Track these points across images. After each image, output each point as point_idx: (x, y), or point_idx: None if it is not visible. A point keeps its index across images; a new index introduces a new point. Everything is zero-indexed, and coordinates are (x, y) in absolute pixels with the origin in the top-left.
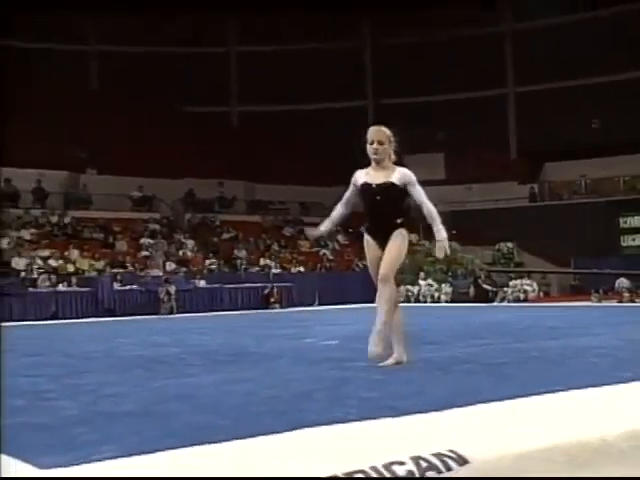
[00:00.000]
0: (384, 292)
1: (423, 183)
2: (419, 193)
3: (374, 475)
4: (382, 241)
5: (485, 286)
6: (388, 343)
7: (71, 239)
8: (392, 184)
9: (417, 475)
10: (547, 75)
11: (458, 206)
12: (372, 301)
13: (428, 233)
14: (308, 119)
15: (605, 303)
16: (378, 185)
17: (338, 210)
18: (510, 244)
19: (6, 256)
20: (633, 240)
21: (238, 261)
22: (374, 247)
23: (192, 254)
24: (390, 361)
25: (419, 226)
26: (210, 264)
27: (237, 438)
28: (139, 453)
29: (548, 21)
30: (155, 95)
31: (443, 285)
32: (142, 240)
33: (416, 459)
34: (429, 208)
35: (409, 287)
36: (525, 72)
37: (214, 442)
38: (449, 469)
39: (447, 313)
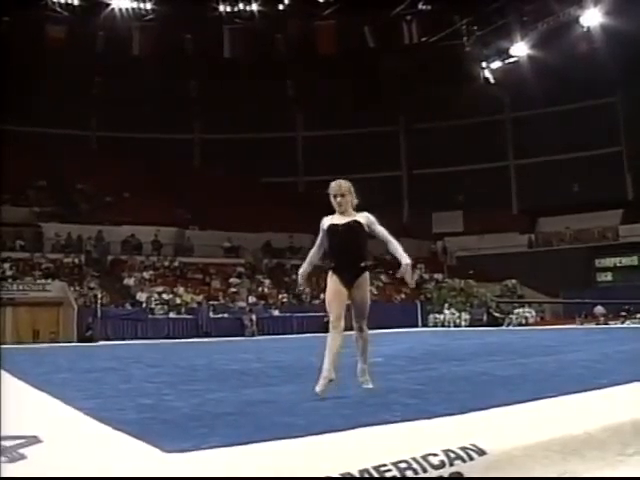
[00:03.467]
0: (364, 338)
1: (446, 235)
2: (382, 230)
3: (414, 465)
4: (347, 281)
5: (495, 313)
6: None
7: (179, 278)
8: (357, 222)
9: (447, 463)
10: (539, 151)
11: (473, 252)
12: (409, 326)
13: (452, 271)
14: (357, 186)
15: (586, 325)
16: (344, 224)
17: (313, 253)
18: (514, 280)
19: (132, 291)
20: (606, 276)
21: (304, 295)
22: (338, 282)
23: (269, 290)
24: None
25: (444, 265)
26: (282, 298)
27: (311, 434)
28: (237, 444)
29: (538, 111)
30: (240, 170)
31: (462, 313)
32: (231, 279)
33: (446, 451)
34: (393, 242)
35: (436, 315)
36: (522, 149)
37: (293, 437)
38: (471, 459)
39: (466, 335)
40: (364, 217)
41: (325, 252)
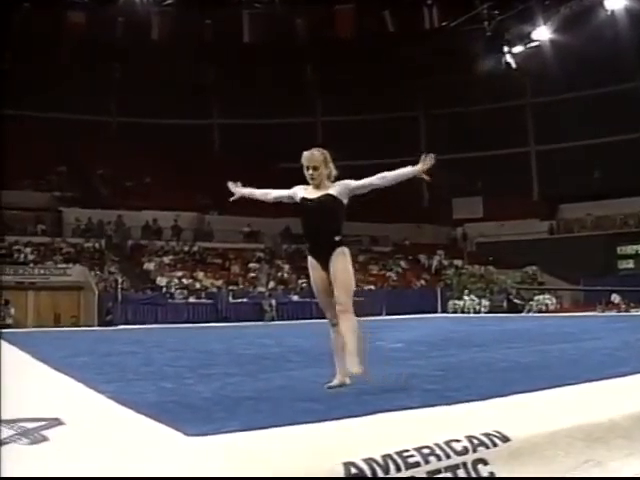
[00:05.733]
0: (347, 324)
1: (466, 221)
2: (366, 180)
3: (438, 451)
4: (324, 260)
5: (515, 300)
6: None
7: (198, 263)
8: (329, 195)
9: (470, 450)
10: (560, 137)
11: (493, 238)
12: (428, 312)
13: (471, 257)
14: (376, 171)
15: (606, 313)
16: (315, 199)
17: (264, 192)
18: (534, 267)
19: (152, 276)
20: (627, 263)
21: None
22: (317, 267)
23: (288, 275)
24: (336, 382)
25: (464, 251)
26: (302, 283)
27: (330, 420)
28: (257, 428)
29: (560, 96)
30: (260, 155)
31: (482, 300)
32: (250, 265)
33: (469, 437)
34: (385, 174)
35: (456, 301)
36: (543, 135)
37: (313, 422)
38: (495, 445)
39: (486, 322)
40: (338, 187)
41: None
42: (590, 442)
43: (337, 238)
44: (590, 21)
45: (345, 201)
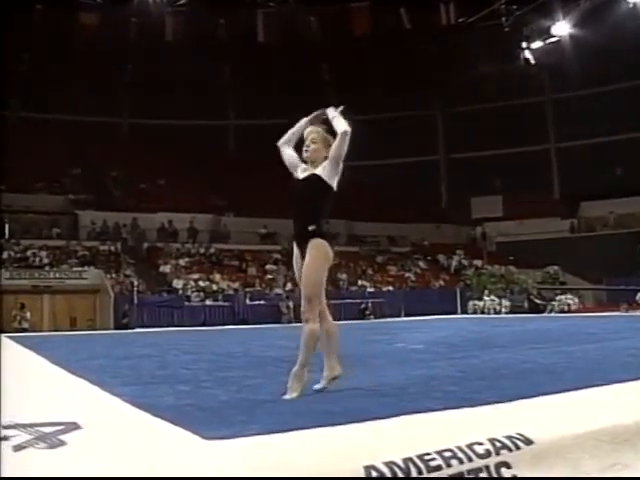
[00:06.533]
0: (304, 332)
1: (485, 220)
2: (334, 145)
3: (460, 454)
4: (301, 250)
5: (536, 300)
6: (303, 381)
7: (215, 265)
8: (315, 175)
9: (493, 453)
10: (581, 134)
11: (513, 237)
12: (448, 313)
13: (491, 257)
14: (394, 171)
15: (630, 313)
16: (303, 179)
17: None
18: (556, 267)
19: (169, 278)
20: None
21: (340, 282)
22: (298, 257)
23: None
24: (323, 383)
25: (483, 251)
26: None
27: (350, 422)
28: (276, 431)
29: (580, 92)
30: (274, 155)
31: (503, 300)
32: (267, 266)
33: (492, 440)
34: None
35: (476, 302)
36: (563, 132)
37: (333, 425)
38: (518, 448)
39: (507, 322)
40: (327, 164)
41: None
42: (617, 445)
43: (310, 228)
44: (611, 14)
45: (333, 184)
